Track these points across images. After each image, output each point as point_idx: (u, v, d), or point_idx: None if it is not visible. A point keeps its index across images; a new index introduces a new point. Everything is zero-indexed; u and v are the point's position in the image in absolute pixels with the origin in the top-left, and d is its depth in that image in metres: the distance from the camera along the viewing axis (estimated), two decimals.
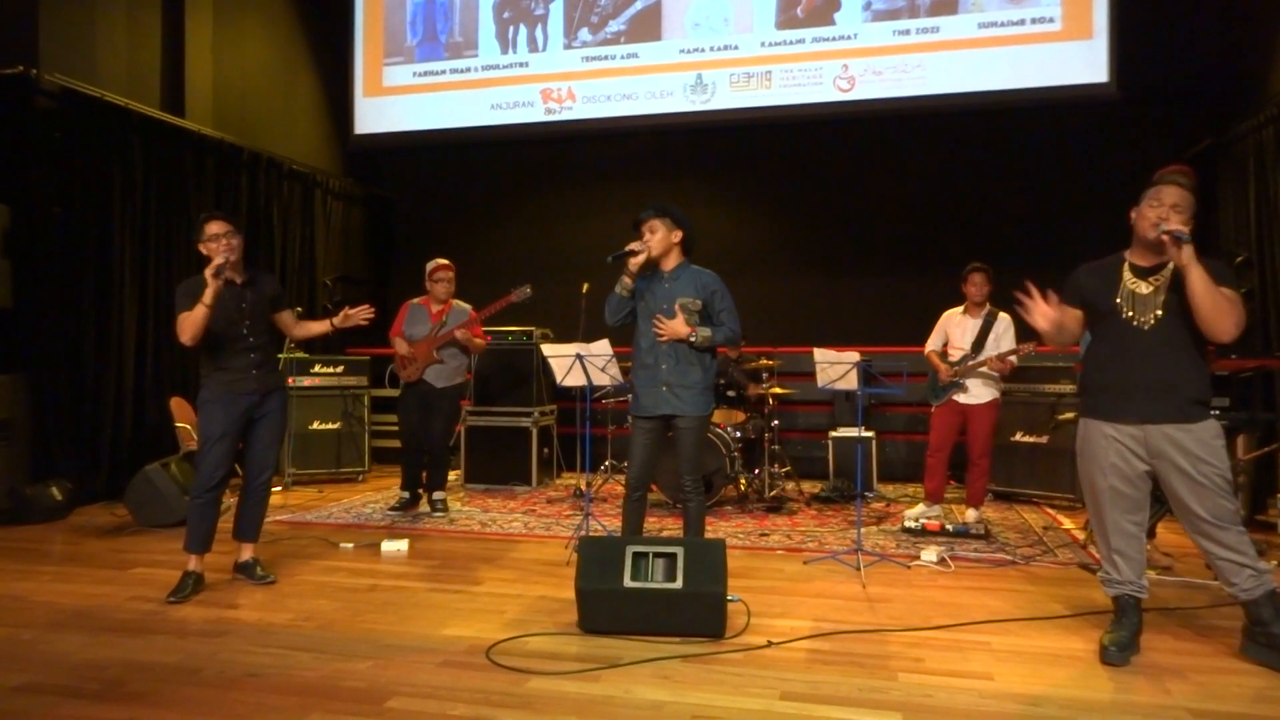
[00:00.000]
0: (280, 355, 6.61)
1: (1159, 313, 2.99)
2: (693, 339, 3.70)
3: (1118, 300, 3.06)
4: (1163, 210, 2.93)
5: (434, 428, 5.59)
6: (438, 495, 5.66)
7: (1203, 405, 2.98)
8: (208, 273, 3.62)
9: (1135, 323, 3.03)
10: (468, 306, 5.70)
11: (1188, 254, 2.83)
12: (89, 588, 3.85)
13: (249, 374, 3.86)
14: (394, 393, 6.27)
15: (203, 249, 3.76)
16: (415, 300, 5.79)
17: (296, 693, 2.70)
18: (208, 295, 3.66)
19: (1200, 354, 3.00)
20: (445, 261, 5.71)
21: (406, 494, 5.73)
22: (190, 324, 3.71)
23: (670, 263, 3.81)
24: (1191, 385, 2.97)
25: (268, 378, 3.94)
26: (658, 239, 3.74)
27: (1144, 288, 3.03)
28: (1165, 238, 2.85)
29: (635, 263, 3.73)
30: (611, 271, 3.85)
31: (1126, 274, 3.08)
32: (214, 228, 3.76)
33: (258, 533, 4.03)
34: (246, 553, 4.01)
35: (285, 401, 4.05)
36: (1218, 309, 2.83)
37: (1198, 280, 2.83)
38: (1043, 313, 3.14)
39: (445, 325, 5.59)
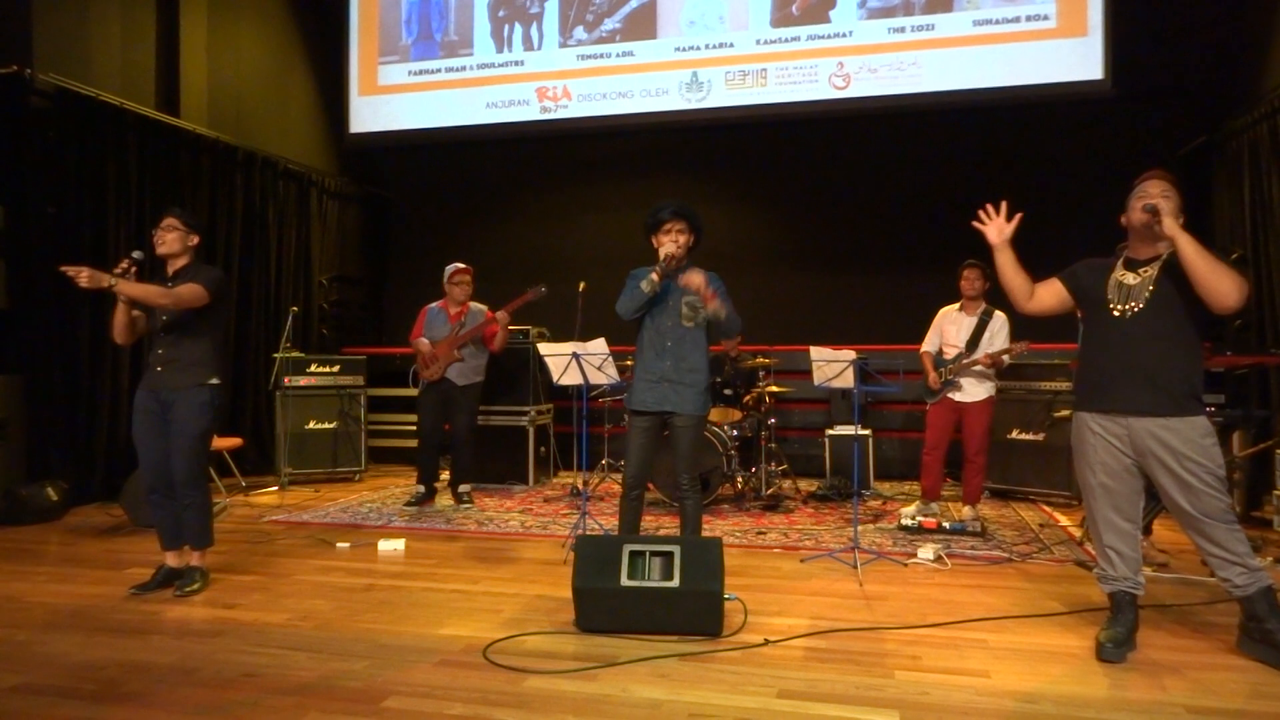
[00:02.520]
0: (276, 356, 6.69)
1: (1141, 303, 3.00)
2: (712, 306, 3.69)
3: (1106, 291, 3.09)
4: (1149, 199, 2.98)
5: (458, 423, 5.78)
6: (463, 488, 5.84)
7: (1190, 400, 2.94)
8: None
9: (1116, 312, 3.04)
10: (483, 307, 5.86)
11: (1169, 225, 2.85)
12: (85, 588, 3.85)
13: (154, 370, 3.79)
14: (391, 392, 6.29)
15: None
16: (433, 304, 5.94)
17: (293, 693, 2.70)
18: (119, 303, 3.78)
19: (1188, 347, 2.97)
20: (463, 265, 5.89)
21: (423, 488, 5.86)
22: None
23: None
24: (1174, 377, 2.94)
25: (172, 377, 3.75)
26: (683, 240, 3.76)
27: (1131, 278, 3.06)
28: (1148, 214, 2.90)
29: (673, 265, 3.73)
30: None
31: (1119, 267, 3.11)
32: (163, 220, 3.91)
33: (193, 539, 3.81)
34: (192, 559, 3.84)
35: (199, 406, 3.75)
36: (1214, 271, 2.80)
37: (1187, 245, 2.83)
38: (998, 228, 3.15)
39: (464, 325, 5.76)
